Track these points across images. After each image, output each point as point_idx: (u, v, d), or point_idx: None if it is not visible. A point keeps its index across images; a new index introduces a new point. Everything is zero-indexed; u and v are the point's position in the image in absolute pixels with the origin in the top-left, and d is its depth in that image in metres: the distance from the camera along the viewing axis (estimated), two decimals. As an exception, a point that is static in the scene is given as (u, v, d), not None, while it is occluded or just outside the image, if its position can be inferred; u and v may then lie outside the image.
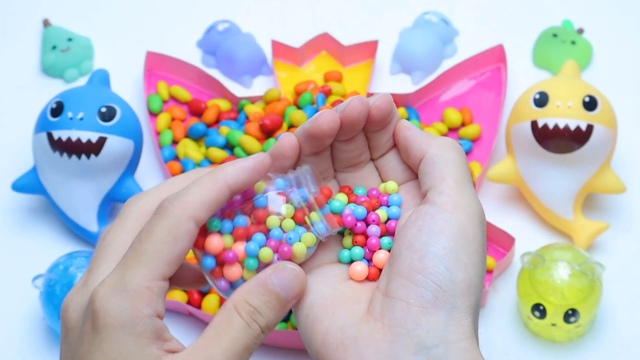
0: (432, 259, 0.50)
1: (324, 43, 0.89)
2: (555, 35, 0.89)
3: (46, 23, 0.91)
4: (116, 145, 0.77)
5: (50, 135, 0.77)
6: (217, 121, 0.85)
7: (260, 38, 0.90)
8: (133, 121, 0.79)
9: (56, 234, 0.81)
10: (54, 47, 0.89)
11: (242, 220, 0.51)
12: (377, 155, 0.55)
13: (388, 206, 0.54)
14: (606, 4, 0.93)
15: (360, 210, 0.53)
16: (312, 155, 0.54)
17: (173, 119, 0.85)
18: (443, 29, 0.89)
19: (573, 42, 0.88)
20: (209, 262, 0.51)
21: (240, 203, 0.52)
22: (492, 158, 0.83)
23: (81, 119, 0.77)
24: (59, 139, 0.76)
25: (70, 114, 0.77)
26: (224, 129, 0.83)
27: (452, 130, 0.85)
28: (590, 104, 0.77)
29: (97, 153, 0.76)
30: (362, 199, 0.54)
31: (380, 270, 0.53)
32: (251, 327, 0.50)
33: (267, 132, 0.82)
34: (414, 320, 0.49)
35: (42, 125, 0.78)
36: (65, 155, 0.77)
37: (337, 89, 0.84)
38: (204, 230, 0.51)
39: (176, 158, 0.83)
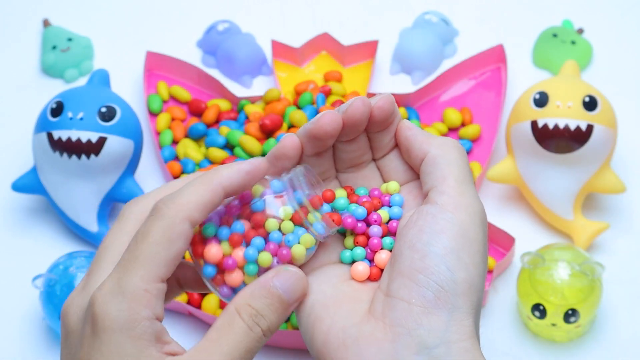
0: (434, 258, 0.50)
1: (324, 43, 0.89)
2: (555, 35, 0.89)
3: (46, 23, 0.91)
4: (116, 145, 0.77)
5: (50, 135, 0.77)
6: (217, 121, 0.85)
7: (260, 38, 0.90)
8: (133, 121, 0.79)
9: (56, 234, 0.81)
10: (54, 47, 0.89)
11: (239, 225, 0.51)
12: (379, 156, 0.55)
13: (390, 206, 0.54)
14: (606, 4, 0.93)
15: (361, 211, 0.53)
16: (314, 155, 0.54)
17: (173, 119, 0.85)
18: (443, 29, 0.89)
19: (573, 42, 0.88)
20: (210, 270, 0.51)
21: (238, 208, 0.52)
22: (492, 158, 0.83)
23: (81, 119, 0.77)
24: (59, 139, 0.76)
25: (70, 114, 0.77)
26: (224, 129, 0.83)
27: (452, 130, 0.85)
28: (590, 104, 0.77)
29: (97, 153, 0.76)
30: (364, 199, 0.54)
31: (382, 270, 0.53)
32: (253, 330, 0.50)
33: (267, 132, 0.82)
34: (415, 320, 0.49)
35: (42, 125, 0.78)
36: (65, 155, 0.77)
37: (337, 89, 0.84)
38: (202, 239, 0.51)
39: (176, 158, 0.83)
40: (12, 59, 0.91)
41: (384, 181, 0.56)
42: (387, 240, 0.53)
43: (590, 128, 0.76)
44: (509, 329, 0.76)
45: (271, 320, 0.50)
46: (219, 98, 0.87)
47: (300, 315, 0.52)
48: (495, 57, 0.87)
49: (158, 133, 0.84)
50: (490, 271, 0.77)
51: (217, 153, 0.81)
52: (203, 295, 0.76)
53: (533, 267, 0.73)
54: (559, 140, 0.77)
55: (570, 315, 0.72)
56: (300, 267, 0.53)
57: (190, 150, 0.82)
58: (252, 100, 0.85)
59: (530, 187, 0.79)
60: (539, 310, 0.73)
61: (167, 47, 0.89)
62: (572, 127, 0.76)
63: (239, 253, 0.51)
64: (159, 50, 0.88)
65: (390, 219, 0.54)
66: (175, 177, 0.81)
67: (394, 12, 0.93)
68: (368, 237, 0.54)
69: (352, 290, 0.53)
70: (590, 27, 0.90)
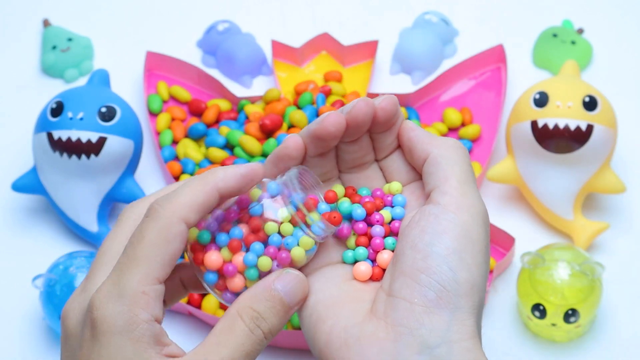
0: (436, 258, 0.50)
1: (324, 43, 0.89)
2: (555, 35, 0.89)
3: (46, 23, 0.91)
4: (116, 145, 0.77)
5: (50, 135, 0.77)
6: (217, 121, 0.85)
7: (260, 38, 0.90)
8: (133, 121, 0.79)
9: (56, 234, 0.81)
10: (54, 47, 0.89)
11: (238, 231, 0.51)
12: (382, 156, 0.55)
13: (392, 207, 0.54)
14: (606, 4, 0.93)
15: (360, 211, 0.53)
16: (317, 156, 0.54)
17: (173, 119, 0.85)
18: (443, 29, 0.89)
19: (573, 42, 0.88)
20: (211, 277, 0.51)
21: (237, 212, 0.52)
22: (492, 158, 0.83)
23: (81, 119, 0.77)
24: (59, 139, 0.76)
25: (70, 114, 0.77)
26: (224, 129, 0.83)
27: (452, 130, 0.85)
28: (590, 104, 0.77)
29: (97, 153, 0.76)
30: (366, 200, 0.54)
31: (384, 270, 0.53)
32: (254, 332, 0.50)
33: (267, 132, 0.82)
34: (417, 319, 0.49)
35: (42, 125, 0.78)
36: (65, 155, 0.76)
37: (337, 89, 0.85)
38: (202, 246, 0.51)
39: (176, 158, 0.83)
40: (12, 59, 0.91)
41: (387, 181, 0.56)
42: (390, 240, 0.53)
43: (590, 128, 0.76)
44: (509, 329, 0.76)
45: (272, 323, 0.50)
46: (219, 98, 0.87)
47: (303, 315, 0.52)
48: (495, 57, 0.87)
49: (158, 133, 0.84)
50: (490, 271, 0.77)
51: (217, 153, 0.81)
52: (203, 296, 0.76)
53: (533, 267, 0.73)
54: (559, 140, 0.77)
55: (570, 315, 0.72)
56: (302, 268, 0.53)
57: (190, 150, 0.82)
58: (252, 100, 0.85)
59: (530, 187, 0.79)
60: (539, 310, 0.73)
61: (167, 47, 0.89)
62: (572, 127, 0.76)
63: (239, 258, 0.51)
64: (159, 50, 0.88)
65: (392, 219, 0.54)
66: (175, 177, 0.81)
67: (394, 12, 0.93)
68: (370, 237, 0.54)
69: (354, 290, 0.53)
70: (590, 27, 0.90)
